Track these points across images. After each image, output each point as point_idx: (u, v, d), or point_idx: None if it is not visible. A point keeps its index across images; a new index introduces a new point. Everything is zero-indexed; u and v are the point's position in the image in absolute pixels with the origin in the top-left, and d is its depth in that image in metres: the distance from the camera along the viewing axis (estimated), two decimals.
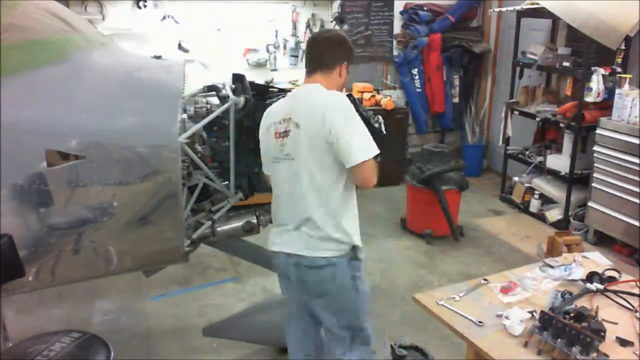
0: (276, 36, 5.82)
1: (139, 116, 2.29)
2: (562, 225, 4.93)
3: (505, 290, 2.26)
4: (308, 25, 5.91)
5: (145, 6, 5.25)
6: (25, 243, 2.07)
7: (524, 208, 5.48)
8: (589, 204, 4.70)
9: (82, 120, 2.16)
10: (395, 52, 6.42)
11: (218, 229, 2.70)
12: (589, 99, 4.62)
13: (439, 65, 6.38)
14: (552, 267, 2.44)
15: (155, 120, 2.32)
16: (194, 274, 4.16)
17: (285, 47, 5.88)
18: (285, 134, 2.15)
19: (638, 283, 2.29)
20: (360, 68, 6.22)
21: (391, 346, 2.93)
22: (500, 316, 2.06)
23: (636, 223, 4.24)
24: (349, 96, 3.11)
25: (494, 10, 6.00)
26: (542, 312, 1.93)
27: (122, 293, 3.87)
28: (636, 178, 4.22)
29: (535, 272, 2.41)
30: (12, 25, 2.17)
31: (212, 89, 2.75)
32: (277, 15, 5.78)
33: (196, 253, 2.79)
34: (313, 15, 5.92)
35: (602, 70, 4.57)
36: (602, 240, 4.68)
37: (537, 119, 5.30)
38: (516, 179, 5.65)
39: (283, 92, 2.91)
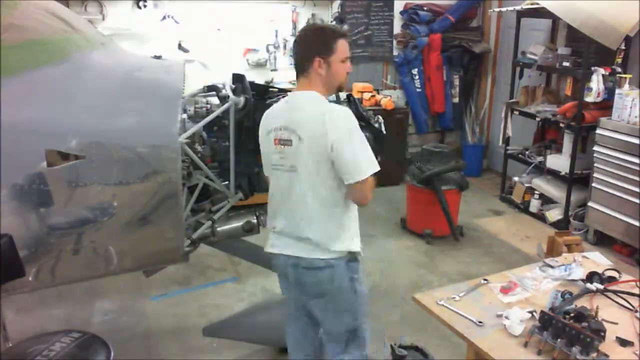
0: (276, 36, 5.82)
1: (139, 116, 2.29)
2: (562, 225, 4.93)
3: (505, 290, 2.26)
4: None
5: (145, 6, 5.25)
6: (25, 243, 2.07)
7: (524, 208, 5.48)
8: (589, 204, 4.70)
9: (82, 120, 2.16)
10: (395, 52, 6.42)
11: (218, 229, 2.70)
12: (589, 99, 4.62)
13: (439, 65, 6.38)
14: (552, 267, 2.44)
15: (155, 120, 2.32)
16: (194, 274, 4.16)
17: (285, 47, 5.88)
18: (286, 142, 2.11)
19: (638, 283, 2.29)
20: (360, 68, 6.22)
21: (391, 346, 2.93)
22: (500, 316, 2.06)
23: (636, 223, 4.24)
24: (349, 96, 3.12)
25: (494, 10, 6.00)
26: (542, 312, 1.93)
27: (122, 293, 3.87)
28: (636, 178, 4.22)
29: (535, 272, 2.41)
30: (12, 25, 2.17)
31: (212, 89, 2.75)
32: (277, 15, 5.78)
33: (196, 253, 2.80)
34: (313, 15, 5.92)
35: (602, 70, 4.57)
36: (602, 240, 4.67)
37: (537, 119, 5.30)
38: (516, 179, 5.65)
39: (283, 92, 2.91)
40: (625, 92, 4.34)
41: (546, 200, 5.31)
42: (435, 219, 4.67)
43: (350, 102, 3.02)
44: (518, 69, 5.57)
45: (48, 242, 2.15)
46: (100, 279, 2.93)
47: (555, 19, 5.27)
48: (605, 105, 4.59)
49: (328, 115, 2.05)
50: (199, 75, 4.73)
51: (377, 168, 2.09)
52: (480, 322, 2.04)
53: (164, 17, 5.34)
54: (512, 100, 5.65)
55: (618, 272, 2.38)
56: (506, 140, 5.75)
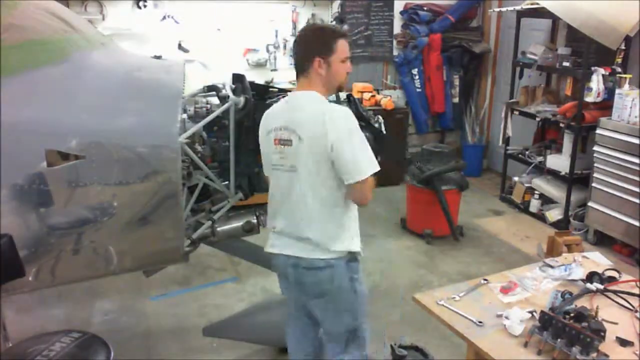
0: (276, 36, 5.82)
1: (139, 116, 2.29)
2: (562, 225, 4.93)
3: (505, 290, 2.26)
4: None
5: (145, 6, 5.25)
6: (25, 243, 2.07)
7: (524, 208, 5.48)
8: (589, 204, 4.70)
9: (82, 120, 2.16)
10: (395, 52, 6.42)
11: (218, 229, 2.70)
12: (589, 99, 4.62)
13: (439, 65, 6.38)
14: (552, 267, 2.44)
15: (155, 120, 2.32)
16: (194, 274, 4.16)
17: (285, 47, 5.88)
18: (286, 143, 2.11)
19: (638, 283, 2.29)
20: (360, 68, 6.22)
21: (391, 346, 2.93)
22: (500, 316, 2.06)
23: (636, 223, 4.24)
24: (349, 96, 3.12)
25: (494, 10, 6.00)
26: (542, 312, 1.93)
27: (122, 293, 3.87)
28: (636, 178, 4.22)
29: (535, 272, 2.41)
30: (12, 25, 2.17)
31: (212, 89, 2.75)
32: (277, 15, 5.78)
33: (196, 253, 2.80)
34: (313, 15, 5.92)
35: (602, 70, 4.57)
36: (602, 240, 4.68)
37: (537, 119, 5.30)
38: (516, 179, 5.65)
39: (283, 92, 2.91)
40: (625, 92, 4.34)
41: (546, 200, 5.31)
42: (435, 219, 4.67)
43: (350, 102, 3.02)
44: (518, 69, 5.57)
45: (48, 242, 2.15)
46: (100, 279, 2.93)
47: (555, 19, 5.27)
48: (605, 105, 4.59)
49: (328, 115, 2.04)
50: (199, 75, 4.73)
51: (377, 168, 2.08)
52: (480, 322, 2.04)
53: (164, 17, 5.34)
54: (512, 100, 5.65)
55: (618, 272, 2.38)
56: (506, 140, 5.75)
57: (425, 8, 6.29)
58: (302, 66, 2.14)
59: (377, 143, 2.68)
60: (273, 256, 2.28)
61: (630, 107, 4.30)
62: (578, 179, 4.92)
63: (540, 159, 5.36)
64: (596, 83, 4.55)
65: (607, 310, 2.07)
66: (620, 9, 4.43)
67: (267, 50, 5.82)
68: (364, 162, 2.05)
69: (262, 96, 2.84)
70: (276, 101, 2.77)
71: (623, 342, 1.91)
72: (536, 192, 5.35)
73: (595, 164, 4.60)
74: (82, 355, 2.08)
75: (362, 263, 2.28)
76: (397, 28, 6.38)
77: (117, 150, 2.19)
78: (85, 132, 2.14)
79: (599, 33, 4.46)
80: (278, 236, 2.24)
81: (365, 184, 2.06)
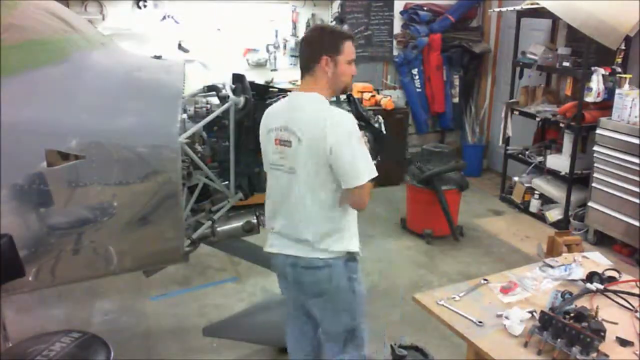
0: (276, 36, 5.82)
1: (139, 116, 2.29)
2: (562, 225, 4.93)
3: (505, 290, 2.26)
4: (308, 25, 5.90)
5: (145, 6, 5.25)
6: (25, 243, 2.07)
7: (524, 208, 5.48)
8: (589, 204, 4.70)
9: (82, 120, 2.16)
10: (395, 52, 6.42)
11: (218, 229, 2.70)
12: (589, 99, 4.62)
13: (439, 65, 6.38)
14: (552, 267, 2.44)
15: (155, 120, 2.32)
16: (194, 274, 4.16)
17: (285, 47, 5.88)
18: (286, 143, 2.11)
19: (638, 283, 2.29)
20: (360, 68, 6.17)
21: (391, 346, 2.93)
22: (500, 316, 2.06)
23: (636, 223, 4.24)
24: (349, 96, 3.12)
25: (494, 10, 6.00)
26: (542, 312, 1.93)
27: (122, 293, 3.87)
28: (636, 178, 4.22)
29: (535, 272, 2.41)
30: (12, 25, 2.17)
31: (212, 89, 2.75)
32: (277, 15, 5.78)
33: (196, 253, 2.80)
34: (313, 15, 5.92)
35: (602, 70, 4.57)
36: (602, 240, 4.68)
37: (537, 119, 5.30)
38: (516, 179, 5.65)
39: (283, 92, 2.91)
40: (625, 92, 4.34)
41: (546, 200, 5.31)
42: (435, 219, 4.67)
43: (350, 102, 3.03)
44: (518, 69, 5.57)
45: (48, 242, 2.15)
46: (100, 279, 2.93)
47: (555, 19, 5.26)
48: (605, 105, 4.59)
49: (329, 119, 2.05)
50: (199, 75, 4.72)
51: (375, 174, 2.08)
52: (480, 322, 2.04)
53: (164, 17, 5.34)
54: (512, 100, 5.65)
55: (618, 272, 2.39)
56: (506, 140, 5.75)
57: (425, 8, 6.29)
58: (308, 65, 2.14)
59: (377, 143, 2.68)
60: (272, 256, 2.28)
61: (630, 107, 4.30)
62: (578, 179, 4.92)
63: (540, 159, 5.36)
64: (596, 83, 4.55)
65: (607, 310, 2.07)
66: (620, 9, 4.43)
67: (267, 50, 5.82)
68: (362, 168, 2.04)
69: (262, 96, 2.84)
70: (276, 101, 2.78)
71: (623, 342, 1.91)
72: (536, 192, 5.35)
73: (595, 164, 4.60)
74: (82, 355, 2.08)
75: (361, 263, 2.28)
76: (397, 28, 6.38)
77: (117, 150, 2.19)
78: (85, 132, 2.14)
79: (599, 33, 4.46)
80: (277, 236, 2.24)
81: (363, 189, 2.06)
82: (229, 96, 2.58)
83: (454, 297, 2.21)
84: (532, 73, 5.53)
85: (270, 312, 3.17)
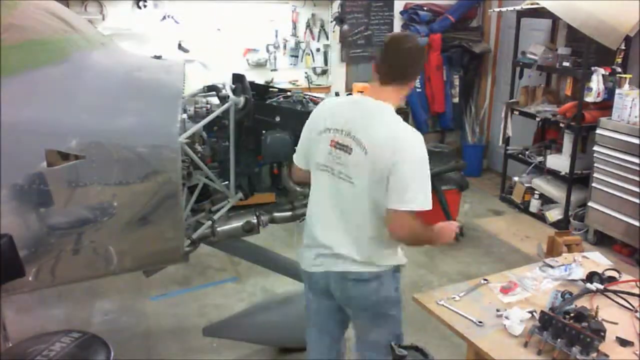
0: (276, 36, 5.81)
1: (139, 116, 2.29)
2: (562, 225, 4.93)
3: (505, 290, 2.26)
4: (308, 25, 5.90)
5: (145, 6, 5.25)
6: (25, 243, 2.07)
7: (524, 208, 5.48)
8: (589, 204, 4.70)
9: (82, 120, 2.16)
10: None
11: (218, 229, 2.70)
12: (589, 99, 4.62)
13: (439, 65, 6.37)
14: (552, 267, 2.44)
15: (155, 120, 2.32)
16: (194, 274, 4.16)
17: (285, 47, 5.88)
18: (345, 149, 2.00)
19: (638, 283, 2.29)
20: (360, 68, 6.22)
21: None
22: (500, 316, 2.06)
23: (636, 223, 4.24)
24: (349, 96, 3.11)
25: (494, 10, 6.00)
26: (542, 312, 1.93)
27: (122, 293, 3.87)
28: (636, 178, 4.22)
29: (535, 272, 2.41)
30: (12, 25, 2.17)
31: (212, 89, 2.75)
32: (277, 15, 5.77)
33: (196, 253, 2.79)
34: (313, 15, 5.91)
35: (602, 70, 4.57)
36: (602, 240, 4.67)
37: (537, 119, 5.30)
38: (516, 179, 5.65)
39: (283, 92, 2.92)
40: (625, 92, 4.34)
41: (546, 200, 5.31)
42: (435, 219, 4.65)
43: None
44: (518, 69, 5.57)
45: (48, 242, 2.15)
46: (100, 279, 2.93)
47: (555, 19, 5.26)
48: (605, 105, 4.59)
49: (403, 139, 1.97)
50: (199, 75, 4.72)
51: (428, 207, 1.96)
52: (480, 322, 2.04)
53: (164, 17, 5.34)
54: (512, 100, 5.65)
55: (618, 272, 2.39)
56: (506, 140, 5.75)
57: (425, 8, 6.29)
58: (403, 77, 2.08)
59: None
60: (311, 273, 2.19)
61: (630, 107, 4.30)
62: (578, 179, 4.92)
63: (540, 159, 5.36)
64: (596, 83, 4.55)
65: (607, 310, 2.07)
66: (620, 9, 4.43)
67: (267, 50, 5.82)
68: (415, 194, 1.94)
69: (262, 96, 2.84)
70: (276, 101, 2.78)
71: (623, 342, 1.91)
72: (536, 192, 5.35)
73: (595, 164, 4.60)
74: (82, 355, 2.08)
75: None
76: (397, 28, 6.37)
77: (117, 150, 2.19)
78: (85, 132, 2.14)
79: (599, 33, 4.46)
80: (320, 254, 2.13)
81: (404, 217, 1.94)
82: (229, 96, 2.58)
83: (454, 297, 2.21)
84: (532, 73, 5.53)
85: (270, 312, 3.17)
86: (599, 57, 4.74)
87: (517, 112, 5.56)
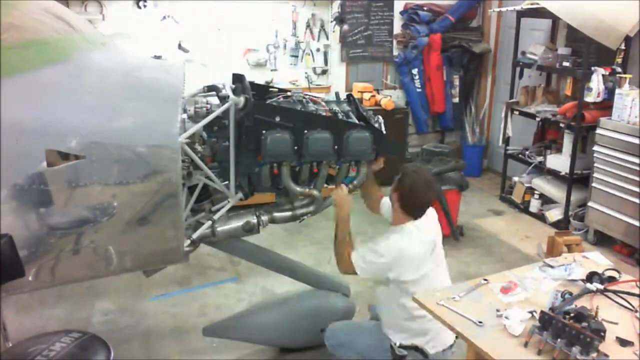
0: (276, 36, 5.82)
1: (139, 116, 2.29)
2: (562, 225, 4.93)
3: (505, 290, 2.26)
4: (308, 25, 5.91)
5: (145, 6, 5.25)
6: (25, 243, 2.07)
7: (524, 208, 5.48)
8: (589, 204, 4.70)
9: (82, 120, 2.16)
10: (395, 52, 6.42)
11: (218, 229, 2.70)
12: (589, 99, 4.62)
13: (439, 65, 6.38)
14: (552, 267, 2.44)
15: (155, 120, 2.31)
16: (194, 274, 4.16)
17: (285, 47, 5.88)
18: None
19: (638, 283, 2.29)
20: (360, 68, 6.22)
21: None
22: (500, 316, 2.05)
23: (636, 223, 4.24)
24: (349, 96, 3.11)
25: (494, 10, 6.00)
26: (542, 312, 1.93)
27: (122, 293, 3.87)
28: (636, 178, 4.22)
29: (535, 272, 2.41)
30: (12, 25, 2.17)
31: (212, 89, 2.75)
32: (277, 15, 5.78)
33: (196, 253, 2.79)
34: (313, 15, 5.92)
35: (602, 70, 4.57)
36: (602, 240, 4.68)
37: (537, 119, 5.30)
38: (516, 179, 5.65)
39: (283, 92, 2.91)
40: (625, 92, 4.35)
41: (546, 200, 5.31)
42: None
43: (351, 102, 3.02)
44: (518, 69, 5.57)
45: (48, 242, 2.15)
46: (100, 279, 2.93)
47: (555, 19, 5.27)
48: (605, 105, 4.59)
49: None
50: (199, 75, 4.72)
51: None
52: (480, 322, 2.04)
53: (164, 17, 5.34)
54: (512, 100, 5.65)
55: (618, 272, 2.38)
56: (506, 140, 5.75)
57: (425, 8, 6.29)
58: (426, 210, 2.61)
59: (377, 143, 2.68)
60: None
61: (630, 107, 4.30)
62: (578, 179, 4.92)
63: (540, 159, 5.37)
64: (596, 83, 4.55)
65: (607, 310, 2.07)
66: (620, 9, 4.43)
67: (267, 50, 5.82)
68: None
69: (262, 96, 2.84)
70: (276, 101, 2.77)
71: (623, 342, 1.91)
72: (536, 192, 5.35)
73: (595, 164, 4.60)
74: (82, 355, 2.08)
75: None
76: (397, 28, 6.38)
77: (117, 150, 2.19)
78: (85, 132, 2.14)
79: (599, 33, 4.46)
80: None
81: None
82: (229, 96, 2.58)
83: (454, 297, 2.20)
84: (532, 73, 5.53)
85: (270, 312, 3.17)
86: (599, 57, 4.75)
87: (517, 112, 5.56)
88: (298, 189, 2.70)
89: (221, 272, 4.22)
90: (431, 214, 2.68)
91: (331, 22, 5.95)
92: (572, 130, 4.86)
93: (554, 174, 5.14)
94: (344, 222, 2.69)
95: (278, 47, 5.85)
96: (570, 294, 2.12)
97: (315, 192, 2.75)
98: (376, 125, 2.78)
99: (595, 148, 4.58)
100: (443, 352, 2.63)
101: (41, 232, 2.12)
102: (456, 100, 6.68)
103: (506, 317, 2.02)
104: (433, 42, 6.25)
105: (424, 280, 2.53)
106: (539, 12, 5.02)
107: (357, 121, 2.76)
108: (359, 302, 3.36)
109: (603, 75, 4.57)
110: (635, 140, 4.21)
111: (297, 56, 5.92)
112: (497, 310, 2.10)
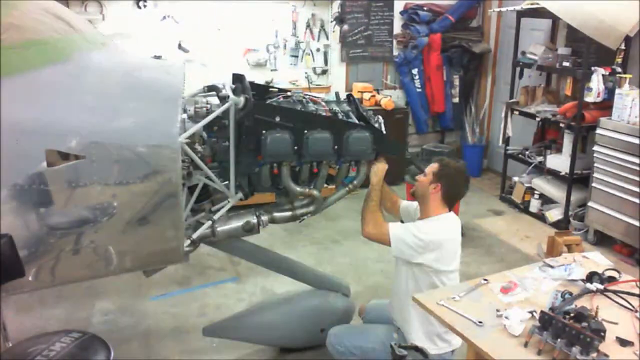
0: (276, 36, 5.82)
1: (139, 116, 2.29)
2: (562, 225, 4.93)
3: (505, 290, 2.26)
4: (308, 25, 5.91)
5: (145, 6, 5.25)
6: (25, 243, 2.07)
7: (524, 208, 5.48)
8: (589, 204, 4.70)
9: (82, 120, 2.16)
10: (395, 52, 6.42)
11: (218, 229, 2.70)
12: (589, 99, 4.62)
13: (439, 65, 6.38)
14: (552, 267, 2.44)
15: (155, 120, 2.31)
16: (194, 274, 4.16)
17: (285, 47, 5.88)
18: None
19: (638, 283, 2.29)
20: (360, 68, 6.22)
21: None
22: (500, 316, 2.06)
23: (636, 223, 4.24)
24: (349, 96, 3.11)
25: (494, 10, 6.00)
26: (542, 312, 1.93)
27: (122, 293, 3.87)
28: (636, 178, 4.22)
29: (535, 272, 2.41)
30: (12, 25, 2.17)
31: (212, 89, 2.75)
32: (277, 15, 5.78)
33: (196, 253, 2.79)
34: (313, 15, 5.92)
35: (602, 70, 4.57)
36: (602, 240, 4.68)
37: (537, 119, 5.30)
38: (516, 179, 5.65)
39: (283, 92, 2.91)
40: (625, 92, 4.35)
41: (546, 200, 5.31)
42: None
43: (351, 102, 3.02)
44: (518, 69, 5.57)
45: (48, 242, 2.15)
46: (100, 279, 2.93)
47: (555, 19, 5.27)
48: (605, 105, 4.59)
49: None
50: (199, 75, 4.73)
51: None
52: (480, 322, 2.04)
53: (164, 17, 5.34)
54: (512, 100, 5.65)
55: (618, 272, 2.38)
56: (506, 140, 5.75)
57: (425, 8, 6.29)
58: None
59: (377, 143, 2.68)
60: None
61: (630, 107, 4.30)
62: (578, 179, 4.92)
63: (540, 159, 5.37)
64: (596, 83, 4.56)
65: (607, 310, 2.07)
66: (620, 9, 4.43)
67: (267, 50, 5.82)
68: None
69: (262, 96, 2.84)
70: (276, 101, 2.77)
71: (623, 342, 1.91)
72: (536, 192, 5.35)
73: (595, 164, 4.60)
74: (82, 355, 2.08)
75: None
76: (397, 28, 6.38)
77: (117, 150, 2.19)
78: (85, 132, 2.14)
79: (599, 33, 4.46)
80: None
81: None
82: (229, 96, 2.58)
83: (454, 297, 2.21)
84: (532, 73, 5.53)
85: (270, 312, 3.17)
86: (599, 57, 4.75)
87: (517, 112, 5.56)
88: (298, 189, 2.70)
89: (221, 272, 4.22)
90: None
91: (331, 22, 5.95)
92: (572, 130, 4.86)
93: (554, 174, 5.14)
94: (375, 190, 2.73)
95: (278, 47, 5.86)
96: (570, 294, 2.12)
97: (315, 192, 2.75)
98: (376, 125, 2.78)
99: (595, 148, 4.58)
100: (452, 352, 2.63)
101: (41, 232, 2.12)
102: (456, 100, 6.68)
103: (506, 317, 2.02)
104: (433, 42, 6.25)
105: (453, 274, 2.62)
106: (539, 12, 5.02)
107: (357, 121, 2.75)
108: (359, 302, 3.36)
109: (603, 75, 4.57)
110: (635, 140, 4.21)
111: (297, 56, 5.92)
112: (497, 310, 2.10)
